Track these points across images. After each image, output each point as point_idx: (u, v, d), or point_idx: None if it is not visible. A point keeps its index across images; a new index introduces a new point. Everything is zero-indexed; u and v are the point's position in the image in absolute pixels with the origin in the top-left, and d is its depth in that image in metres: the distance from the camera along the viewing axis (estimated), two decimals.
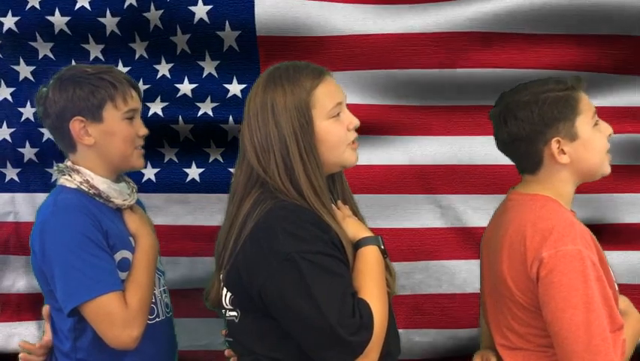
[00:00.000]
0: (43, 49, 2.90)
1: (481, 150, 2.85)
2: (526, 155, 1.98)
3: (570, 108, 1.94)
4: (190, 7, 2.76)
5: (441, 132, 2.88)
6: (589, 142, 1.95)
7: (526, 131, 1.94)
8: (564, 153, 1.94)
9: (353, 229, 1.86)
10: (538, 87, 1.97)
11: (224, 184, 2.72)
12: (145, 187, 2.84)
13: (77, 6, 2.83)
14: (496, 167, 2.83)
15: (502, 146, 2.05)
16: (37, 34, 2.87)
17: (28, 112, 2.95)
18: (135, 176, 2.40)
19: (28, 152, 2.96)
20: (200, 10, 2.77)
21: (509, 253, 1.93)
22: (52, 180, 2.87)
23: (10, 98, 2.96)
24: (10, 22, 2.86)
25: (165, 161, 2.93)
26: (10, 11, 2.87)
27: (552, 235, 1.84)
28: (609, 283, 1.87)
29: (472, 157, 2.87)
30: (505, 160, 2.73)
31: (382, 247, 1.85)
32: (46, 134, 2.89)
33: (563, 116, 1.93)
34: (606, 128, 2.00)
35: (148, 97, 2.83)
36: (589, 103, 1.98)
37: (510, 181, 2.74)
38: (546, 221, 1.88)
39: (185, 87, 2.87)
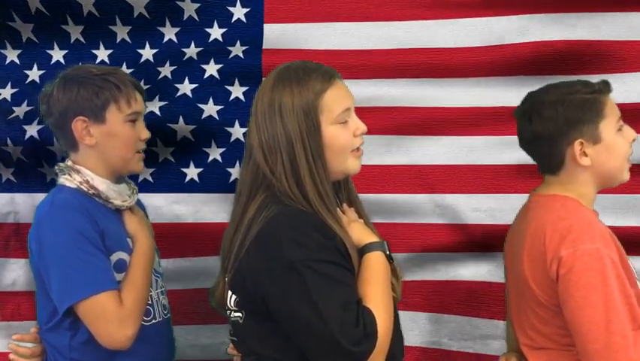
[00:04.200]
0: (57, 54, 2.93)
1: (481, 150, 2.85)
2: (548, 155, 1.99)
3: (595, 111, 1.94)
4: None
5: (441, 132, 2.88)
6: (611, 146, 1.96)
7: (550, 130, 1.95)
8: (586, 156, 1.95)
9: (358, 234, 1.84)
10: (565, 88, 1.98)
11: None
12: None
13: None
14: (496, 167, 2.83)
15: (525, 144, 2.05)
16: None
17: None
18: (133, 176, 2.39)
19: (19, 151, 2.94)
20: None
21: (530, 253, 1.93)
22: (48, 179, 2.87)
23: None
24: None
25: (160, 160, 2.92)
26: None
27: (570, 234, 1.85)
28: (630, 282, 1.87)
29: (471, 157, 2.87)
30: (505, 160, 2.77)
31: (388, 252, 1.84)
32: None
33: (588, 119, 1.94)
34: (630, 133, 2.00)
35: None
36: (614, 107, 1.99)
37: (510, 181, 2.79)
38: (565, 220, 1.89)
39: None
